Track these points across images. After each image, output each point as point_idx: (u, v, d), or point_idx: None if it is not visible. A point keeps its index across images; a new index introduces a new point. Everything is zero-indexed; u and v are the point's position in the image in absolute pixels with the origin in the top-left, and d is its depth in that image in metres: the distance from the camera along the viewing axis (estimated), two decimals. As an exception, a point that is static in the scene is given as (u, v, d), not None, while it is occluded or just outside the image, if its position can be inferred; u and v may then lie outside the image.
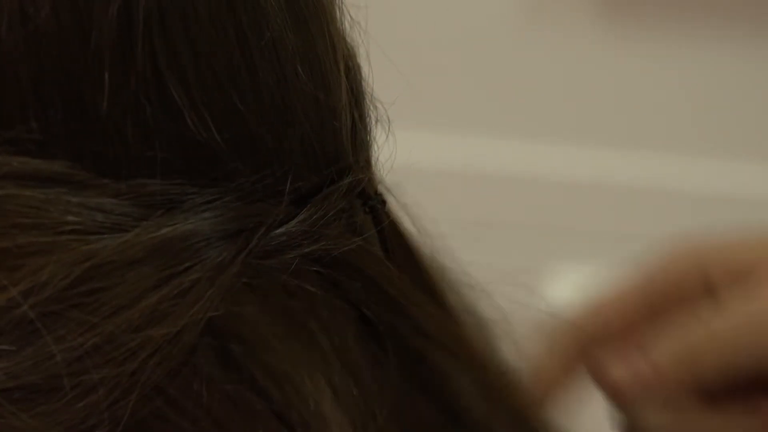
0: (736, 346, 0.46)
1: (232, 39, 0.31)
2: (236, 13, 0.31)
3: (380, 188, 0.36)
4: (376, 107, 0.36)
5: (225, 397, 0.31)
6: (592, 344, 0.47)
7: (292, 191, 0.32)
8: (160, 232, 0.30)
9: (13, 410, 0.29)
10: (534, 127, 1.24)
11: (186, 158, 0.31)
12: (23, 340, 0.29)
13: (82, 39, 0.30)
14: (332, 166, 0.34)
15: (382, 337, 0.34)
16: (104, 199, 0.30)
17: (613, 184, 1.24)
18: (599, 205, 1.24)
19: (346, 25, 0.35)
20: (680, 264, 0.49)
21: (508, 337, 0.40)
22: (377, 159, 0.37)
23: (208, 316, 0.30)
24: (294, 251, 0.32)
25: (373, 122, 0.36)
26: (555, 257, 1.21)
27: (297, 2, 0.33)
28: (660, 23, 1.28)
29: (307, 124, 0.33)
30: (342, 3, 0.35)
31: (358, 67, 0.36)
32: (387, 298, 0.34)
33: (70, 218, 0.29)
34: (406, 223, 0.37)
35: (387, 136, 0.37)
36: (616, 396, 0.47)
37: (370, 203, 0.35)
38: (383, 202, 0.35)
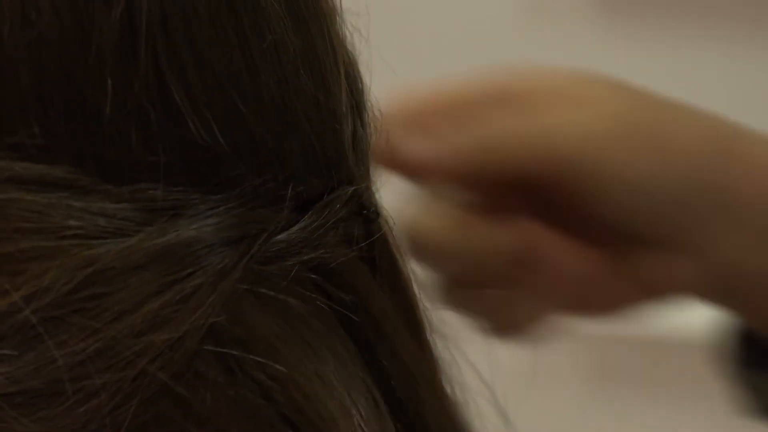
0: (530, 148, 0.50)
1: (233, 40, 0.31)
2: (237, 14, 0.31)
3: (375, 200, 0.36)
4: (376, 116, 0.37)
5: (229, 401, 0.31)
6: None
7: (293, 196, 0.32)
8: (163, 239, 0.30)
9: (14, 415, 0.29)
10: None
11: (188, 162, 0.31)
12: (25, 345, 0.29)
13: (85, 43, 0.30)
14: (333, 169, 0.34)
15: (360, 352, 0.34)
16: (106, 204, 0.30)
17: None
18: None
19: (347, 33, 0.36)
20: (485, 83, 0.53)
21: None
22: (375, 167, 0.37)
23: (210, 321, 0.30)
24: (294, 258, 0.32)
25: (374, 131, 0.36)
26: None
27: (297, 3, 0.33)
28: (659, 23, 1.28)
29: (307, 125, 0.33)
30: (341, 10, 0.35)
31: (360, 75, 0.36)
32: (369, 318, 0.34)
33: (73, 223, 0.29)
34: (395, 239, 0.37)
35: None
36: (410, 170, 0.50)
37: (366, 214, 0.35)
38: (377, 214, 0.35)
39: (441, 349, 0.38)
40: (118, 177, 0.30)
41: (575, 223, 0.52)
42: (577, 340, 1.21)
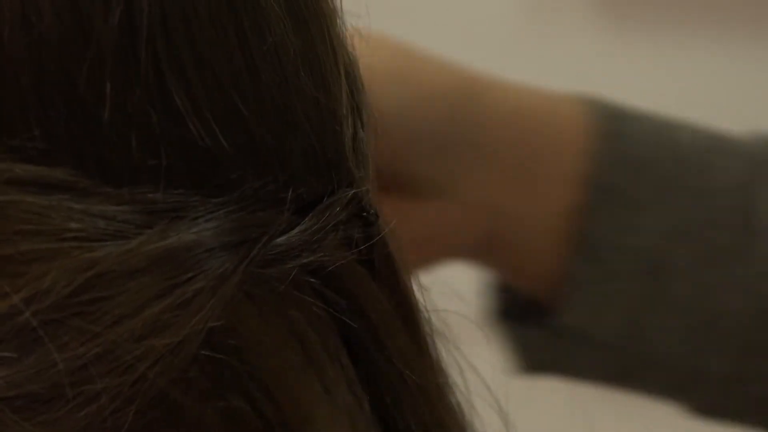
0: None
1: (234, 41, 0.31)
2: (237, 14, 0.31)
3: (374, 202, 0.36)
4: (376, 118, 0.36)
5: (220, 411, 0.31)
6: None
7: (294, 198, 0.32)
8: (164, 242, 0.30)
9: (15, 419, 0.29)
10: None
11: (189, 164, 0.31)
12: (25, 348, 0.29)
13: (85, 45, 0.29)
14: (333, 170, 0.34)
15: (356, 357, 0.34)
16: (107, 206, 0.30)
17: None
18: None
19: (347, 34, 0.35)
20: None
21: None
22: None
23: (208, 326, 0.30)
24: (293, 261, 0.32)
25: (374, 133, 0.36)
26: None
27: (297, 4, 0.33)
28: (659, 23, 1.28)
29: (308, 125, 0.33)
30: (342, 11, 0.35)
31: (360, 76, 0.36)
32: (367, 322, 0.34)
33: (73, 225, 0.29)
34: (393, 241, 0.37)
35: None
36: None
37: (366, 217, 0.34)
38: (377, 217, 0.35)
39: (441, 351, 0.38)
40: (118, 179, 0.30)
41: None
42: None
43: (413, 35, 1.26)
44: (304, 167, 0.33)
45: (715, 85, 1.24)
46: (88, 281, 0.29)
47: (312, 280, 0.33)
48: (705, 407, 0.60)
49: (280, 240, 0.32)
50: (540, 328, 0.59)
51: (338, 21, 0.35)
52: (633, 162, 0.57)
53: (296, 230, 0.32)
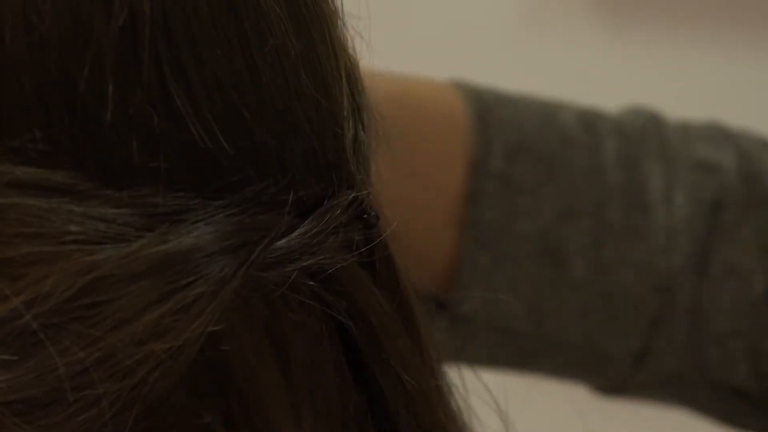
0: None
1: (235, 43, 0.31)
2: (238, 16, 0.31)
3: (375, 205, 0.36)
4: (377, 119, 0.36)
5: (199, 428, 0.31)
6: None
7: (294, 201, 0.32)
8: (164, 246, 0.30)
9: (16, 422, 0.29)
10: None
11: (189, 167, 0.31)
12: (25, 352, 0.29)
13: (86, 47, 0.29)
14: (334, 173, 0.34)
15: (356, 361, 0.34)
16: (107, 209, 0.30)
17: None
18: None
19: (348, 36, 0.35)
20: None
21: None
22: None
23: (208, 330, 0.30)
24: (293, 264, 0.32)
25: (375, 135, 0.36)
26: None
27: (298, 6, 0.33)
28: (658, 24, 1.28)
29: (308, 128, 0.33)
30: (342, 13, 0.35)
31: (361, 78, 0.36)
32: (367, 325, 0.34)
33: (73, 228, 0.29)
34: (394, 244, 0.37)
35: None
36: None
37: (366, 219, 0.34)
38: (378, 219, 0.35)
39: (441, 352, 0.38)
40: (118, 181, 0.30)
41: None
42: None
43: (413, 35, 1.26)
44: (304, 169, 0.33)
45: (715, 85, 1.24)
46: (89, 285, 0.29)
47: (311, 283, 0.33)
48: (611, 386, 0.60)
49: (280, 243, 0.32)
50: (440, 319, 0.58)
51: (339, 22, 0.35)
52: (519, 146, 0.57)
53: (297, 233, 0.32)
